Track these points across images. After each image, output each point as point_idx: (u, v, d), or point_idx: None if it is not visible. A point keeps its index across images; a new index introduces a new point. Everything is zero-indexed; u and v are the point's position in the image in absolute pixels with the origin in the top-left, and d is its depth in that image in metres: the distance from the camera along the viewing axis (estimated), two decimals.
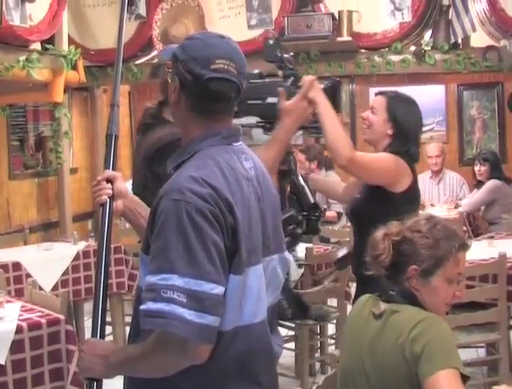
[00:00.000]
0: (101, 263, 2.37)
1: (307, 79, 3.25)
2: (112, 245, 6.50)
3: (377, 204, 3.64)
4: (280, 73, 3.40)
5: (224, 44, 2.21)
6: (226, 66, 2.16)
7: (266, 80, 3.39)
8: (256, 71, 3.47)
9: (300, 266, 3.66)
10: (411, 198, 3.64)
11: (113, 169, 2.53)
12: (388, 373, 2.43)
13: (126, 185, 2.55)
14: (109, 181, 2.47)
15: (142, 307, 2.02)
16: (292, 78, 3.35)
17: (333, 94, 3.35)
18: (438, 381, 2.29)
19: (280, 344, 2.41)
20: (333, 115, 3.33)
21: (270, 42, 3.42)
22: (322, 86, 3.33)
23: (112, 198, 2.45)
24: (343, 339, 2.71)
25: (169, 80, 2.28)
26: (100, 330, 2.28)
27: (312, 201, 3.36)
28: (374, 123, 3.74)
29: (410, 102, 3.80)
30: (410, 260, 2.53)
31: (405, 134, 3.70)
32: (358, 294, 3.51)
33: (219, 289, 2.02)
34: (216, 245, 2.04)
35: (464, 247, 2.58)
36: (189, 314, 1.96)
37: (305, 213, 3.24)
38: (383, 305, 2.55)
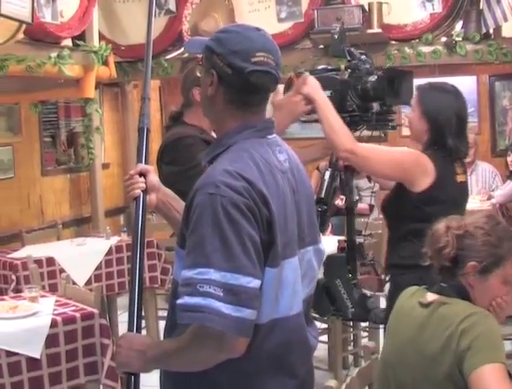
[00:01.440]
0: (136, 258, 2.37)
1: (302, 76, 3.25)
2: (144, 240, 6.55)
3: (399, 203, 3.58)
4: (342, 66, 3.40)
5: (261, 37, 2.20)
6: (266, 59, 2.16)
7: (321, 75, 3.39)
8: (321, 66, 3.47)
9: (364, 264, 3.64)
10: (431, 200, 3.47)
11: (145, 163, 2.52)
12: (431, 363, 2.42)
13: (159, 179, 2.56)
14: (142, 174, 2.47)
15: (179, 301, 2.02)
16: (348, 70, 3.34)
17: (388, 83, 3.33)
18: (485, 374, 2.27)
19: (316, 336, 2.41)
20: (331, 111, 3.27)
21: (335, 36, 3.41)
22: (375, 76, 3.32)
23: (145, 191, 2.45)
24: (386, 331, 2.70)
25: (199, 74, 2.27)
26: (136, 324, 2.29)
27: (322, 195, 3.35)
28: (411, 120, 3.63)
29: (446, 92, 3.61)
30: (469, 255, 2.51)
31: (438, 127, 3.54)
32: (395, 287, 3.47)
33: (255, 283, 2.02)
34: (252, 238, 2.03)
35: None
36: (226, 308, 1.96)
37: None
38: (432, 296, 2.54)
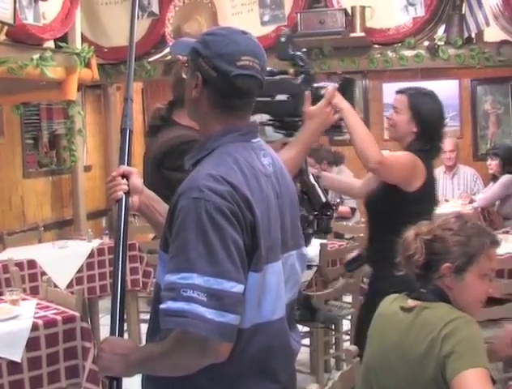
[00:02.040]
0: (118, 260, 2.35)
1: (330, 87, 3.26)
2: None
3: (390, 202, 3.68)
4: (291, 70, 3.39)
5: (248, 41, 2.19)
6: (251, 63, 2.15)
7: (276, 78, 3.38)
8: (267, 69, 3.45)
9: (310, 267, 3.64)
10: (422, 198, 3.66)
11: (128, 165, 2.50)
12: (415, 368, 2.42)
13: (141, 181, 2.53)
14: (124, 176, 2.46)
15: (162, 306, 2.00)
16: (302, 75, 3.34)
17: (343, 92, 3.34)
18: (467, 379, 2.27)
19: (298, 341, 2.39)
20: (358, 120, 3.35)
21: (282, 40, 3.40)
22: (335, 84, 3.32)
23: (127, 194, 2.44)
24: (368, 336, 2.70)
25: (185, 76, 2.25)
26: (118, 327, 2.27)
27: (323, 200, 3.35)
28: (398, 122, 3.77)
29: (431, 97, 3.80)
30: (442, 258, 2.52)
31: (429, 130, 3.73)
32: (374, 279, 3.56)
33: (238, 287, 2.01)
34: (236, 243, 2.01)
35: (496, 243, 2.59)
36: (209, 313, 1.95)
37: (316, 213, 3.24)
38: (413, 302, 2.55)
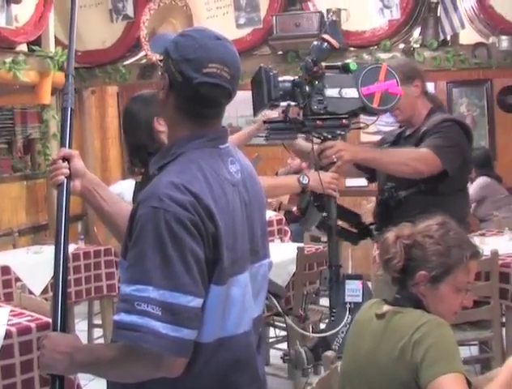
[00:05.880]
0: (60, 247, 2.30)
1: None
2: (102, 248, 6.50)
3: None
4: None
5: (220, 47, 2.09)
6: (219, 71, 2.05)
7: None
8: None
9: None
10: None
11: (69, 147, 2.45)
12: (387, 375, 2.38)
13: (83, 164, 2.47)
14: (66, 159, 2.40)
15: (115, 317, 1.93)
16: None
17: None
18: (442, 385, 2.23)
19: (263, 361, 2.32)
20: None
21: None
22: None
23: (69, 177, 2.39)
24: (346, 342, 2.67)
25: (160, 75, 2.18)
26: (60, 322, 2.21)
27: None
28: None
29: None
30: (419, 265, 2.48)
31: None
32: None
33: (196, 302, 1.93)
34: (195, 255, 1.94)
35: (476, 256, 2.53)
36: (163, 328, 1.88)
37: None
38: (386, 307, 2.52)
